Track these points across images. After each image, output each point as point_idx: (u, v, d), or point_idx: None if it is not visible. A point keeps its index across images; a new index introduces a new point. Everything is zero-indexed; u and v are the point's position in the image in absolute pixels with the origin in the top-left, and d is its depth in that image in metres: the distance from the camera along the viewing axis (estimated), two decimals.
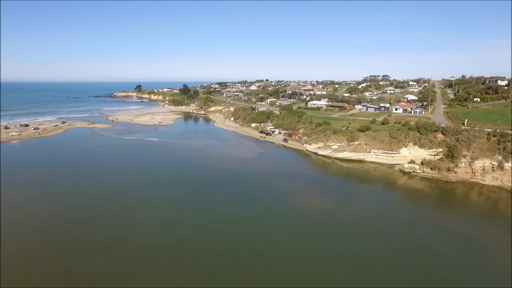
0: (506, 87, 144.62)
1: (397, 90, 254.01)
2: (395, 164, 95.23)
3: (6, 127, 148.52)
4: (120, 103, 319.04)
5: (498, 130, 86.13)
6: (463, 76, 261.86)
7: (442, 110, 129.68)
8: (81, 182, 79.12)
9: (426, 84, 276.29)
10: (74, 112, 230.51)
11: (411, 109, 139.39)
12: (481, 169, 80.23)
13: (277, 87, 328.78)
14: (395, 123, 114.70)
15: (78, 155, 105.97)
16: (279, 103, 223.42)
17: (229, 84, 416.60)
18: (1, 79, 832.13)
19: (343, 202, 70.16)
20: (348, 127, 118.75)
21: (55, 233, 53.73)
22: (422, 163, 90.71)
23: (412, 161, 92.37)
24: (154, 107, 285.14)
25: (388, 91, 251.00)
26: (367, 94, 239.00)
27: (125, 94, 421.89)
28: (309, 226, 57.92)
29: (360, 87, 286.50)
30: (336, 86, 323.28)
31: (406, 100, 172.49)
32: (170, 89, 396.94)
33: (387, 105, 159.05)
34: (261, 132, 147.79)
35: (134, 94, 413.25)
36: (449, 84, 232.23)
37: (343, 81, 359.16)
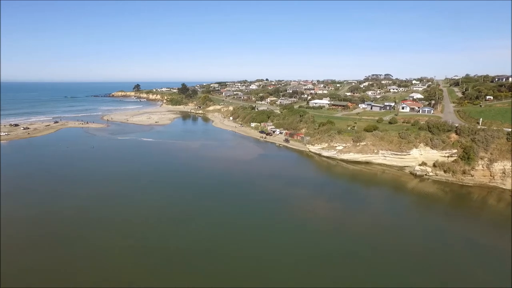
0: None
1: (401, 89, 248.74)
2: (405, 166, 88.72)
3: None
4: (118, 103, 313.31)
5: None
6: (467, 75, 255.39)
7: (452, 109, 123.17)
8: (57, 189, 70.89)
9: (430, 82, 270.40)
10: (70, 112, 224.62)
11: (419, 107, 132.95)
12: (501, 172, 73.67)
13: (277, 86, 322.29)
14: (403, 122, 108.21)
15: (64, 157, 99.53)
16: (280, 102, 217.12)
17: (228, 83, 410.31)
18: (1, 79, 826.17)
19: (352, 210, 63.49)
20: (354, 126, 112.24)
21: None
22: (434, 165, 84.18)
23: (423, 163, 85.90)
24: (152, 106, 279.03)
25: (392, 90, 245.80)
26: (369, 93, 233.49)
27: (123, 93, 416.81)
28: (316, 241, 51.22)
29: (362, 86, 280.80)
30: (338, 85, 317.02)
31: (412, 98, 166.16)
32: (168, 89, 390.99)
33: (392, 104, 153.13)
34: (261, 132, 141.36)
35: (132, 93, 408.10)
36: (454, 82, 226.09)
37: (344, 80, 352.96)
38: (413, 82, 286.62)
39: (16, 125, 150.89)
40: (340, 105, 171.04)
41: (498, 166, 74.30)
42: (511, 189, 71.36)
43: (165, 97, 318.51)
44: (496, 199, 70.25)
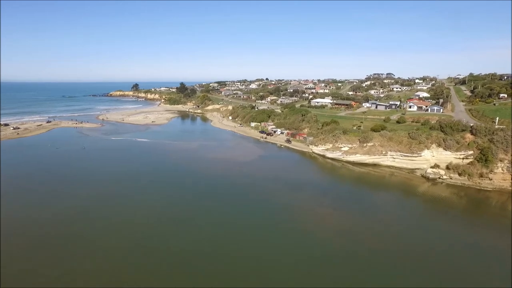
0: None
1: (404, 87, 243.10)
2: (416, 169, 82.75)
3: None
4: (115, 102, 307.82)
5: None
6: (471, 74, 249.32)
7: (463, 108, 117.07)
8: (37, 196, 64.71)
9: (434, 81, 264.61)
10: (66, 112, 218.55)
11: (426, 106, 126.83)
12: None
13: (278, 85, 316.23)
14: (412, 121, 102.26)
15: (52, 158, 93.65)
16: (280, 101, 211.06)
17: (228, 83, 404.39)
18: (1, 80, 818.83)
19: (362, 218, 57.40)
20: (360, 126, 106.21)
21: None
22: (447, 168, 78.23)
23: (436, 165, 79.91)
24: (150, 106, 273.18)
25: (395, 89, 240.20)
26: (372, 92, 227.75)
27: (121, 93, 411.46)
28: (326, 258, 45.15)
29: (364, 85, 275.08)
30: (339, 84, 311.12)
31: (418, 97, 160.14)
32: (167, 88, 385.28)
33: (398, 103, 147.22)
34: (262, 132, 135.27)
35: (131, 93, 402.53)
36: (459, 81, 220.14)
37: (345, 80, 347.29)
38: (416, 81, 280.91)
39: (6, 124, 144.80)
40: (343, 104, 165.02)
41: None
42: None
43: (164, 97, 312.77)
44: None
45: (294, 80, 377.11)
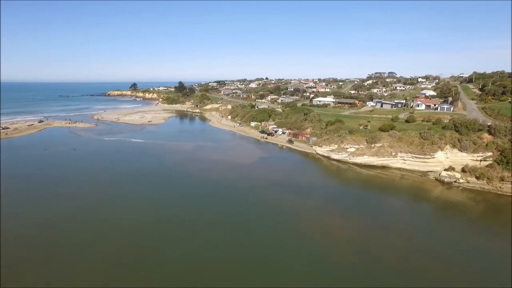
0: None
1: (407, 86, 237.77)
2: (429, 171, 76.79)
3: None
4: (113, 102, 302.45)
5: None
6: (475, 72, 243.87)
7: (475, 106, 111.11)
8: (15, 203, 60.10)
9: (437, 80, 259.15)
10: (62, 111, 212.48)
11: (435, 105, 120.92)
12: None
13: (278, 84, 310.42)
14: (422, 121, 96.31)
15: (38, 159, 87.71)
16: (281, 100, 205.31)
17: (227, 82, 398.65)
18: (1, 80, 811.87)
19: (374, 227, 51.53)
20: (367, 126, 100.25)
21: None
22: (463, 170, 72.24)
23: (450, 168, 73.95)
24: (148, 105, 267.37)
25: (398, 88, 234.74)
26: (375, 91, 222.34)
27: (119, 92, 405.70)
28: (333, 269, 39.45)
29: (366, 84, 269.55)
30: (340, 83, 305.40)
31: (424, 96, 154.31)
32: (166, 88, 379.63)
33: (403, 102, 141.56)
34: (262, 132, 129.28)
35: (129, 92, 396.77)
36: (465, 79, 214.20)
37: (346, 79, 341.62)
38: (419, 80, 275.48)
39: None
40: (346, 103, 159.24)
41: None
42: None
43: (162, 96, 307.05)
44: None
45: (294, 79, 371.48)
